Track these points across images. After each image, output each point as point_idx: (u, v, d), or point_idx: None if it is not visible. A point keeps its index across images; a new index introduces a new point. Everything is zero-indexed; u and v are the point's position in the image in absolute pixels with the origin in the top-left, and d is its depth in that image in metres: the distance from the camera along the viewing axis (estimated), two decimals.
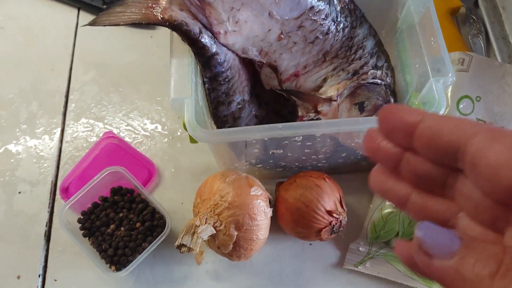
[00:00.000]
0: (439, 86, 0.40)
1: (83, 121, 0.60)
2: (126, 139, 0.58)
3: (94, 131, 0.59)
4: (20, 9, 0.68)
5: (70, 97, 0.61)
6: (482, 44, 0.62)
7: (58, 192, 0.55)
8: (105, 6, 0.65)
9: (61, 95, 0.61)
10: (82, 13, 0.67)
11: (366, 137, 0.22)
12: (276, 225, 0.50)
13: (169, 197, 0.55)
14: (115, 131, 0.59)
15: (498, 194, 0.18)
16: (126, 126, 0.59)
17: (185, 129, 0.41)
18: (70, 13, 0.67)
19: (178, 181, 0.56)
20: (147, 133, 0.59)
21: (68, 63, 0.64)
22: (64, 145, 0.58)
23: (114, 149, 0.56)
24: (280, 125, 0.39)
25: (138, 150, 0.57)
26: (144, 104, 0.61)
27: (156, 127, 0.59)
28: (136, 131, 0.59)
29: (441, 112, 0.39)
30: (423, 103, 0.43)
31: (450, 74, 0.40)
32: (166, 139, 0.58)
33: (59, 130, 0.59)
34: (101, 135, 0.58)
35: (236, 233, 0.45)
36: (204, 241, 0.46)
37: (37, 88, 0.62)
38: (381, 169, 0.23)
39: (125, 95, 0.61)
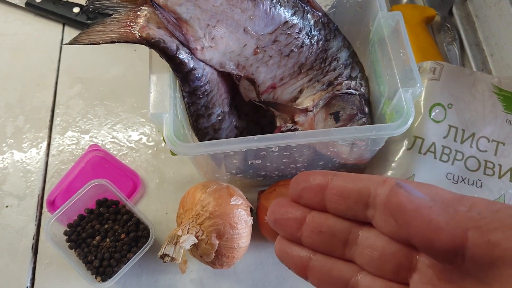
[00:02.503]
0: (407, 96, 0.41)
1: (69, 134, 0.61)
2: (111, 151, 0.59)
3: (79, 144, 0.60)
4: (5, 24, 0.69)
5: (56, 111, 0.63)
6: (457, 51, 0.64)
7: (45, 205, 0.56)
8: (89, 21, 0.66)
9: (47, 110, 0.63)
10: (67, 28, 0.69)
11: (270, 208, 0.23)
12: (258, 233, 0.52)
13: (154, 208, 0.56)
14: (101, 143, 0.60)
15: (412, 232, 0.18)
16: (111, 138, 0.61)
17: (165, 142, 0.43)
18: (55, 28, 0.69)
19: (162, 192, 0.57)
20: (132, 145, 0.60)
21: (53, 77, 0.65)
22: (50, 158, 0.59)
23: (99, 162, 0.58)
24: (255, 137, 0.41)
25: (123, 162, 0.58)
26: (129, 117, 0.62)
27: (140, 139, 0.60)
28: (121, 143, 0.60)
29: (410, 121, 0.40)
30: (396, 112, 0.45)
31: (418, 85, 0.42)
32: (151, 150, 0.60)
33: (45, 144, 0.60)
34: (86, 148, 0.59)
35: (217, 242, 0.46)
36: (187, 250, 0.47)
37: (23, 103, 0.63)
38: (282, 238, 0.23)
39: (110, 108, 0.63)
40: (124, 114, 0.62)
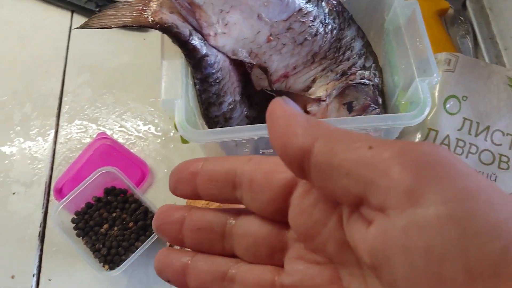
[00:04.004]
0: (424, 86, 0.41)
1: (77, 122, 0.60)
2: (120, 140, 0.59)
3: (87, 132, 0.60)
4: (13, 12, 0.69)
5: (64, 99, 0.62)
6: (470, 45, 0.63)
7: (52, 193, 0.56)
8: (98, 9, 0.65)
9: (55, 97, 0.62)
10: (75, 16, 0.68)
11: (155, 215, 0.23)
12: None
13: (162, 197, 0.55)
14: (109, 132, 0.59)
15: (274, 197, 0.19)
16: (119, 127, 0.60)
17: (177, 129, 0.42)
18: (63, 16, 0.68)
19: None
20: (140, 134, 0.59)
21: (61, 65, 0.64)
22: (58, 146, 0.59)
23: (107, 150, 0.57)
24: None
25: (131, 151, 0.58)
26: (137, 106, 0.61)
27: (149, 128, 0.60)
28: (129, 132, 0.60)
29: (426, 111, 0.40)
30: (410, 103, 0.44)
31: (435, 75, 0.41)
32: (159, 140, 0.59)
33: (53, 131, 0.60)
34: (94, 136, 0.58)
35: None
36: None
37: (30, 90, 0.63)
38: (165, 249, 0.22)
39: (118, 96, 0.62)
40: (132, 103, 0.62)
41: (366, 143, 0.16)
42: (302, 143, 0.17)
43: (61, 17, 0.68)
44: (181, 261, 0.21)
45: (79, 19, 0.68)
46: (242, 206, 0.21)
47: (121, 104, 0.62)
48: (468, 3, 0.66)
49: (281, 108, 0.18)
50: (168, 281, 0.22)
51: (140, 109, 0.61)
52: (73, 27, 0.67)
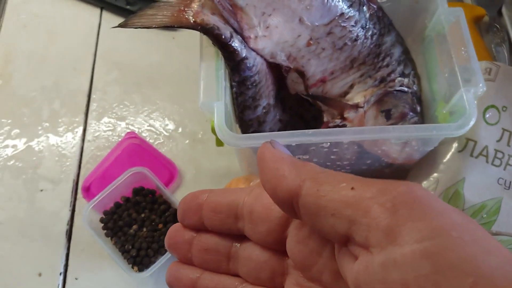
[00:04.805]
0: (469, 96, 0.40)
1: (105, 120, 0.60)
2: (148, 139, 0.58)
3: (116, 131, 0.59)
4: (43, 7, 0.69)
5: (93, 96, 0.62)
6: (506, 53, 0.61)
7: (79, 191, 0.55)
8: (128, 7, 0.65)
9: (83, 95, 0.62)
10: (104, 12, 0.68)
11: (167, 234, 0.24)
12: None
13: None
14: (137, 131, 0.59)
15: (273, 228, 0.21)
16: (147, 126, 0.59)
17: (213, 132, 0.41)
18: (92, 12, 0.68)
19: (199, 183, 0.56)
20: (169, 134, 0.59)
21: (90, 62, 0.64)
22: (86, 144, 0.59)
23: (136, 150, 0.57)
24: (310, 131, 0.39)
25: (160, 151, 0.57)
26: (166, 106, 0.61)
27: (177, 129, 0.59)
28: (157, 132, 0.59)
29: (472, 122, 0.39)
30: (451, 113, 0.43)
31: (480, 84, 0.40)
32: (188, 140, 0.58)
33: (81, 129, 0.59)
34: (122, 135, 0.58)
35: None
36: None
37: (59, 86, 0.62)
38: (176, 263, 0.24)
39: (147, 96, 0.62)
40: (161, 103, 0.61)
41: (349, 184, 0.17)
42: (290, 186, 0.18)
43: (90, 13, 0.68)
44: (190, 277, 0.23)
45: (108, 16, 0.67)
46: None
47: (149, 103, 0.61)
48: (504, 10, 0.65)
49: (270, 152, 0.19)
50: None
51: (169, 109, 0.61)
52: (103, 24, 0.67)
